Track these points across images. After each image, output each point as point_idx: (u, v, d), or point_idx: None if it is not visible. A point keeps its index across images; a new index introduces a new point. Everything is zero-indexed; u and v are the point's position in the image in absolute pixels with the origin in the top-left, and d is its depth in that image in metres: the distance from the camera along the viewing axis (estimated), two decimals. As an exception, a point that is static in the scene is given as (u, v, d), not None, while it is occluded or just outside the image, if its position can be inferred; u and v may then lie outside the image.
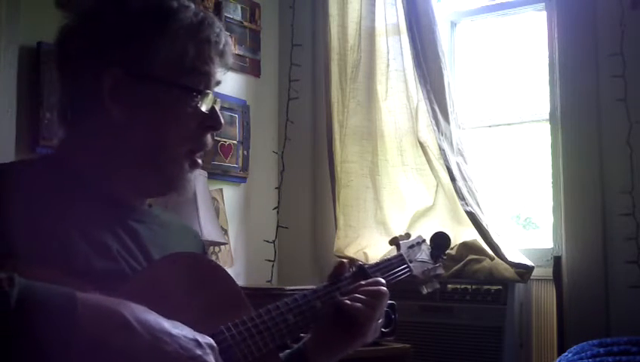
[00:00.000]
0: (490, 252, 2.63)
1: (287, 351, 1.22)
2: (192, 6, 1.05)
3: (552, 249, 2.69)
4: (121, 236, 1.00)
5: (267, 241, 3.10)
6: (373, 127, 2.95)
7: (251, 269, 3.03)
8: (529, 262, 2.57)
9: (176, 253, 1.03)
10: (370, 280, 1.22)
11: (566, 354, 2.12)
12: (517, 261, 2.57)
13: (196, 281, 1.01)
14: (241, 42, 3.05)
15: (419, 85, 2.82)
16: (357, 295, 1.17)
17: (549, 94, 2.77)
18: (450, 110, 2.80)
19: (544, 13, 2.82)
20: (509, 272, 2.55)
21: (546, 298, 2.63)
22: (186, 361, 0.84)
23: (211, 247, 2.71)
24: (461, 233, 2.74)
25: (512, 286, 2.55)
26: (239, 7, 3.07)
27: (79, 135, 1.04)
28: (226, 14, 2.98)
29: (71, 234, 0.93)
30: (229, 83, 2.95)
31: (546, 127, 2.78)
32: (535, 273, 2.57)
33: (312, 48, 3.22)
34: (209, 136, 1.08)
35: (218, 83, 1.08)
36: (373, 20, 2.98)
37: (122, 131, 1.01)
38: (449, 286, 2.59)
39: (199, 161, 1.07)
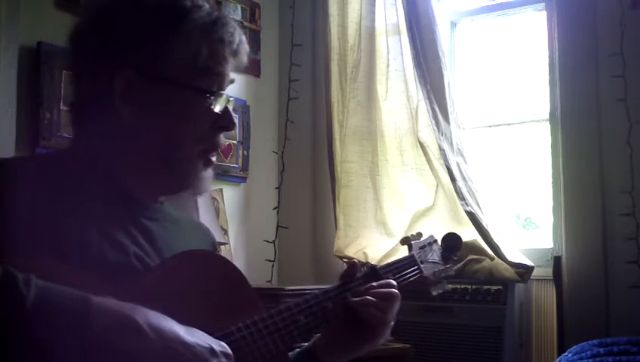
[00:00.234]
0: (490, 252, 2.63)
1: (297, 349, 1.22)
2: (206, 6, 1.03)
3: (552, 249, 2.69)
4: (134, 233, 1.00)
5: (267, 241, 3.10)
6: (373, 127, 2.95)
7: (251, 269, 3.02)
8: (529, 262, 2.57)
9: (189, 251, 1.02)
10: (381, 281, 1.21)
11: (566, 354, 2.12)
12: (517, 261, 2.57)
13: (209, 279, 1.01)
14: (241, 42, 3.05)
15: (419, 85, 2.82)
16: (369, 297, 1.16)
17: (549, 94, 2.77)
18: (450, 110, 2.79)
19: (544, 13, 2.82)
20: (509, 272, 2.55)
21: (546, 298, 2.63)
22: None
23: (211, 247, 2.71)
24: (461, 233, 2.70)
25: (512, 286, 2.55)
26: (239, 7, 3.07)
27: (91, 134, 1.04)
28: (225, 14, 2.98)
29: (85, 229, 0.93)
30: (228, 83, 2.94)
31: (546, 127, 2.78)
32: (535, 273, 2.57)
33: (312, 48, 3.22)
34: (222, 136, 1.07)
35: (232, 81, 1.07)
36: (373, 20, 2.98)
37: (133, 132, 1.00)
38: (449, 286, 2.58)
39: (213, 159, 1.06)
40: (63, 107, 2.29)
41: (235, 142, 2.98)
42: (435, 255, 1.44)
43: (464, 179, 2.72)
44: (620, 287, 2.48)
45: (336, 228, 2.96)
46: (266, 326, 1.01)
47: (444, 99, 2.80)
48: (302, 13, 3.23)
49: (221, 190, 2.92)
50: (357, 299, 1.16)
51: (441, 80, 2.80)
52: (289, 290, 2.35)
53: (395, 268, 1.30)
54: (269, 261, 3.09)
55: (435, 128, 2.75)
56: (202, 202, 2.42)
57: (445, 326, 2.59)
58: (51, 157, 1.10)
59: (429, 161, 2.81)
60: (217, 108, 1.04)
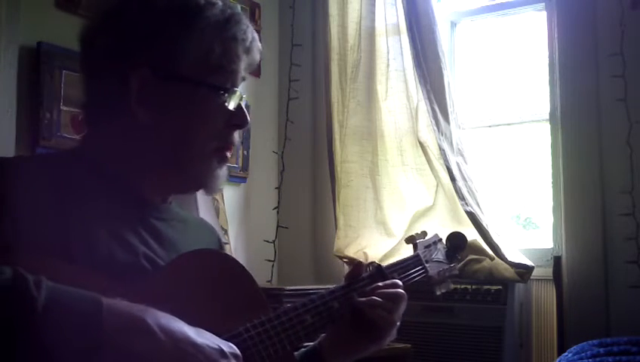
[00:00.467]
0: (490, 252, 2.63)
1: (303, 349, 1.22)
2: (219, 3, 1.03)
3: (552, 249, 2.69)
4: (143, 234, 1.00)
5: (267, 241, 3.10)
6: (373, 127, 2.95)
7: (251, 269, 2.97)
8: (529, 262, 2.57)
9: (197, 250, 1.02)
10: (387, 281, 1.21)
11: (566, 354, 2.12)
12: (517, 261, 2.57)
13: (217, 279, 1.01)
14: (241, 42, 3.05)
15: (419, 85, 2.82)
16: (375, 298, 1.16)
17: (549, 94, 2.77)
18: (450, 110, 2.79)
19: (544, 13, 2.82)
20: (509, 272, 2.55)
21: (546, 298, 2.63)
22: None
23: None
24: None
25: (512, 286, 2.55)
26: (239, 7, 3.05)
27: (104, 133, 1.03)
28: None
29: (94, 230, 0.93)
30: (229, 83, 2.94)
31: (546, 127, 2.78)
32: (535, 273, 2.57)
33: (312, 48, 3.22)
34: (236, 134, 1.07)
35: (244, 79, 1.07)
36: (373, 20, 2.98)
37: (148, 132, 1.00)
38: (452, 286, 2.58)
39: (228, 155, 1.06)
40: (63, 107, 2.29)
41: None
42: (439, 254, 1.43)
43: (464, 179, 2.72)
44: (620, 287, 2.48)
45: (336, 228, 2.96)
46: (273, 327, 1.02)
47: (444, 99, 2.79)
48: (302, 13, 3.23)
49: (221, 190, 2.92)
50: (363, 299, 1.16)
51: (441, 80, 2.80)
52: (289, 290, 2.35)
53: (401, 267, 1.30)
54: (269, 261, 3.09)
55: (435, 128, 2.75)
56: (202, 202, 2.42)
57: (445, 326, 2.59)
58: (58, 157, 1.10)
59: (429, 161, 2.81)
60: (231, 106, 1.04)
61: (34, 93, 2.25)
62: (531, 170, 3.01)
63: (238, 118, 1.06)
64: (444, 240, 1.49)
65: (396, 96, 2.92)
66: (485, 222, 2.64)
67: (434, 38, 2.82)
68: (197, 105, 1.01)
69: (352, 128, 2.97)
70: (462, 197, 2.66)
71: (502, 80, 3.13)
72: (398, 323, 1.19)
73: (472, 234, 2.66)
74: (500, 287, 2.54)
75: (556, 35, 2.71)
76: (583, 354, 2.06)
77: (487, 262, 2.61)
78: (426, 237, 1.44)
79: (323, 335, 1.21)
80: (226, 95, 1.03)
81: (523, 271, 2.54)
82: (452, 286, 1.46)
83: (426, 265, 1.37)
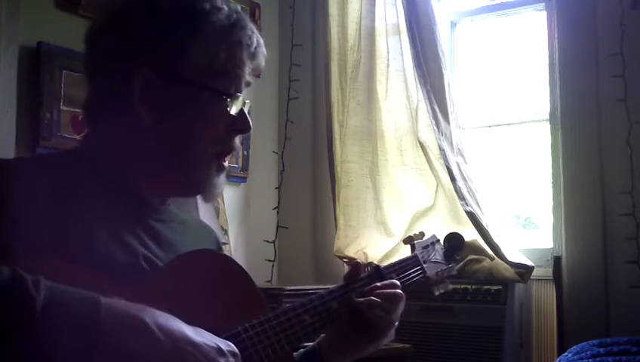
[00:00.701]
0: (490, 252, 2.63)
1: (302, 350, 1.22)
2: (225, 8, 1.04)
3: (552, 249, 2.69)
4: (142, 235, 1.00)
5: (267, 241, 3.10)
6: (373, 127, 2.95)
7: (251, 269, 2.98)
8: (529, 262, 2.57)
9: (195, 251, 1.03)
10: (385, 282, 1.21)
11: (566, 354, 2.12)
12: (517, 261, 2.57)
13: (215, 279, 1.01)
14: (241, 42, 3.05)
15: (419, 85, 2.82)
16: (373, 298, 1.16)
17: (549, 94, 2.77)
18: (450, 110, 2.79)
19: (544, 13, 2.82)
20: (509, 272, 2.55)
21: (546, 298, 2.63)
22: None
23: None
24: (461, 233, 2.73)
25: (512, 286, 2.55)
26: (239, 7, 3.06)
27: (106, 133, 1.03)
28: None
29: (94, 231, 0.93)
30: (229, 83, 2.95)
31: (546, 127, 2.78)
32: (535, 273, 2.57)
33: (312, 48, 3.22)
34: (237, 139, 1.07)
35: (248, 84, 1.07)
36: (373, 20, 2.98)
37: (149, 132, 1.00)
38: (451, 286, 2.59)
39: (226, 163, 1.07)
40: (63, 107, 2.29)
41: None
42: (437, 254, 1.44)
43: (464, 179, 2.72)
44: (620, 287, 2.48)
45: (336, 228, 2.96)
46: (272, 327, 1.02)
47: (444, 99, 2.79)
48: (302, 13, 3.23)
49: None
50: (362, 299, 1.16)
51: (441, 80, 2.80)
52: (289, 290, 2.35)
53: (399, 268, 1.31)
54: (269, 261, 3.09)
55: (435, 128, 2.75)
56: (202, 202, 2.42)
57: (445, 326, 2.59)
58: (57, 157, 1.10)
59: (429, 161, 2.81)
60: (234, 111, 1.04)
61: (34, 93, 2.25)
62: (531, 170, 3.01)
63: (240, 123, 1.06)
64: (442, 241, 1.49)
65: (396, 96, 2.92)
66: (485, 222, 2.64)
67: (434, 38, 2.82)
68: (199, 109, 1.02)
69: (352, 128, 2.97)
70: (462, 197, 2.66)
71: (502, 80, 3.13)
72: (397, 324, 1.20)
73: (472, 234, 2.66)
74: (500, 287, 2.54)
75: (556, 35, 2.71)
76: (583, 354, 2.06)
77: (487, 262, 2.61)
78: (424, 238, 1.45)
79: (322, 335, 1.22)
80: (229, 100, 1.03)
81: (523, 271, 2.54)
82: (451, 286, 1.46)
83: (424, 265, 1.37)
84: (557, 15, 2.71)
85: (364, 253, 2.87)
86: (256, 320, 1.00)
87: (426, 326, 2.61)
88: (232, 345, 0.89)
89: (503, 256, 2.58)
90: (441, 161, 2.74)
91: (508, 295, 2.53)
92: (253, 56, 1.06)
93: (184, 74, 1.00)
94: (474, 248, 2.66)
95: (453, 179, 2.68)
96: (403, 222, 2.87)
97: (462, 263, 2.61)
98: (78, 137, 2.23)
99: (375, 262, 2.53)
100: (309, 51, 3.22)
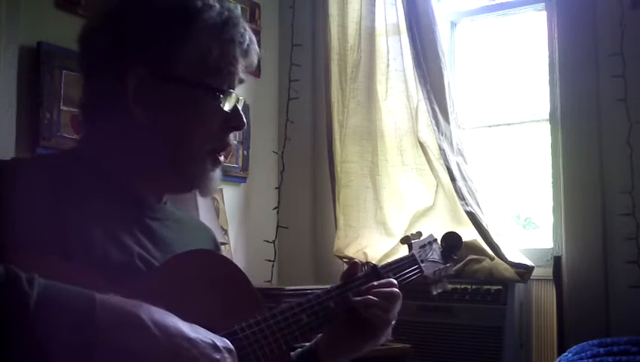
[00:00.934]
0: (490, 252, 2.63)
1: (299, 349, 1.22)
2: (217, 6, 1.04)
3: (552, 249, 2.69)
4: (138, 234, 1.01)
5: (267, 241, 3.10)
6: (373, 127, 2.95)
7: (251, 269, 3.02)
8: (529, 262, 2.57)
9: (192, 251, 1.03)
10: (382, 281, 1.21)
11: (566, 354, 2.12)
12: (517, 261, 2.57)
13: (212, 279, 1.01)
14: (241, 42, 3.05)
15: (419, 85, 2.82)
16: (370, 297, 1.17)
17: (549, 94, 2.77)
18: (450, 110, 2.80)
19: (544, 13, 2.82)
20: (509, 272, 2.55)
21: (546, 298, 2.63)
22: None
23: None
24: (461, 233, 2.71)
25: (512, 286, 2.55)
26: (239, 7, 3.07)
27: (101, 133, 1.04)
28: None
29: (90, 229, 0.93)
30: (229, 83, 2.95)
31: (546, 127, 2.78)
32: (535, 273, 2.57)
33: (312, 48, 3.22)
34: (231, 136, 1.08)
35: (242, 81, 1.08)
36: (373, 20, 2.98)
37: (144, 131, 1.01)
38: (449, 286, 2.58)
39: (221, 158, 1.07)
40: (63, 107, 2.29)
41: (235, 142, 2.98)
42: (435, 254, 1.44)
43: (464, 179, 2.72)
44: (620, 287, 2.48)
45: (336, 228, 2.96)
46: (269, 326, 1.02)
47: (444, 99, 2.80)
48: (302, 13, 3.23)
49: (221, 190, 2.92)
50: (358, 298, 1.17)
51: (441, 80, 2.80)
52: (289, 290, 2.35)
53: (396, 267, 1.31)
54: (269, 261, 3.09)
55: (435, 128, 2.75)
56: (202, 202, 2.42)
57: (445, 326, 2.59)
58: (54, 157, 1.10)
59: (429, 161, 2.81)
60: (227, 107, 1.04)
61: (34, 93, 2.25)
62: (531, 170, 3.02)
63: (234, 120, 1.06)
64: (439, 241, 1.49)
65: (396, 96, 2.92)
66: (485, 222, 2.64)
67: (434, 38, 2.82)
68: (193, 107, 1.02)
69: (352, 128, 2.97)
70: (462, 197, 2.66)
71: (502, 80, 3.13)
72: (393, 322, 1.20)
73: (472, 234, 2.66)
74: (500, 287, 2.54)
75: (556, 35, 2.71)
76: (583, 354, 2.06)
77: (487, 262, 2.61)
78: (421, 238, 1.45)
79: (319, 335, 1.22)
80: (223, 97, 1.04)
81: (523, 271, 2.54)
82: (449, 286, 1.46)
83: (422, 264, 1.37)
84: (557, 15, 2.71)
85: (364, 253, 2.87)
86: (252, 320, 1.00)
87: (426, 326, 2.61)
88: (228, 341, 0.89)
89: (503, 256, 2.58)
90: (441, 161, 2.74)
91: (508, 295, 2.53)
92: (246, 53, 1.06)
93: (177, 72, 1.01)
94: (474, 248, 2.66)
95: (453, 179, 2.68)
96: (403, 222, 2.87)
97: (462, 263, 2.62)
98: (77, 137, 2.23)
99: (374, 263, 2.53)
100: (309, 51, 3.22)
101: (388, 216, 2.90)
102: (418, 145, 2.85)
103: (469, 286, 2.59)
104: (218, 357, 0.85)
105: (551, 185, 2.72)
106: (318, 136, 3.16)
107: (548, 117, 2.77)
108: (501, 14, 3.04)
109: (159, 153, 1.02)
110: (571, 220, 2.60)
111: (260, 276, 3.01)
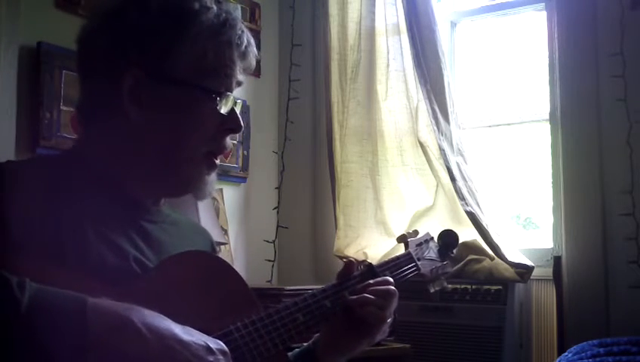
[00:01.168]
0: (490, 252, 2.63)
1: (297, 349, 1.22)
2: (215, 7, 1.04)
3: (552, 249, 2.69)
4: (134, 237, 1.00)
5: (267, 241, 3.10)
6: (373, 127, 2.95)
7: (251, 269, 3.03)
8: (529, 262, 2.57)
9: (187, 252, 1.03)
10: (378, 279, 1.21)
11: (566, 354, 2.12)
12: (517, 261, 2.57)
13: (207, 280, 1.01)
14: (241, 42, 3.05)
15: (419, 85, 2.82)
16: (366, 295, 1.16)
17: (549, 94, 2.77)
18: (450, 110, 2.80)
19: (544, 13, 2.82)
20: (509, 272, 2.55)
21: (546, 298, 2.63)
22: None
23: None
24: (461, 233, 2.71)
25: (512, 286, 2.55)
26: (239, 7, 3.07)
27: (97, 134, 1.04)
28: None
29: (85, 232, 0.93)
30: (229, 83, 2.95)
31: (546, 127, 2.78)
32: (535, 273, 2.57)
33: (312, 48, 3.22)
34: (228, 139, 1.07)
35: (239, 84, 1.07)
36: (373, 20, 2.98)
37: (140, 132, 1.01)
38: (449, 286, 2.59)
39: (217, 161, 1.06)
40: (63, 107, 2.29)
41: (235, 142, 2.98)
42: (431, 252, 1.44)
43: (464, 179, 2.72)
44: (620, 287, 2.48)
45: (336, 228, 2.96)
46: (265, 326, 1.01)
47: (444, 99, 2.80)
48: (302, 13, 3.23)
49: (221, 190, 2.92)
50: (355, 297, 1.16)
51: (441, 80, 2.80)
52: (289, 290, 2.35)
53: (392, 265, 1.31)
54: (269, 261, 3.09)
55: (435, 128, 2.75)
56: (202, 202, 2.42)
57: (445, 326, 2.59)
58: (50, 159, 1.10)
59: (429, 161, 2.81)
60: (224, 110, 1.04)
61: (34, 93, 2.25)
62: (531, 170, 3.02)
63: (231, 123, 1.06)
64: (436, 239, 1.49)
65: (396, 96, 2.92)
66: (485, 222, 2.64)
67: (434, 38, 2.82)
68: (190, 108, 1.02)
69: (352, 128, 2.97)
70: (462, 197, 2.66)
71: (502, 80, 3.13)
72: (390, 320, 1.20)
73: (472, 234, 2.66)
74: (500, 287, 2.54)
75: (556, 35, 2.71)
76: (583, 354, 2.06)
77: (487, 262, 2.61)
78: (418, 236, 1.45)
79: (317, 335, 1.22)
80: (219, 99, 1.03)
81: (523, 271, 2.54)
82: (447, 284, 1.46)
83: (418, 262, 1.37)
84: (557, 15, 2.71)
85: (364, 253, 2.87)
86: (248, 319, 1.00)
87: (426, 326, 2.61)
88: (222, 343, 0.89)
89: (503, 256, 2.58)
90: (441, 161, 2.74)
91: (508, 295, 2.53)
92: (244, 55, 1.06)
93: (174, 73, 1.01)
94: (474, 248, 2.66)
95: (453, 179, 2.69)
96: (403, 222, 2.87)
97: (462, 263, 2.62)
98: (75, 137, 2.23)
99: (374, 263, 2.53)
100: (309, 51, 3.22)
101: (388, 216, 2.90)
102: (418, 145, 2.85)
103: (469, 287, 2.59)
104: (211, 359, 0.85)
105: (551, 185, 2.72)
106: (318, 136, 3.16)
107: (548, 117, 2.77)
108: (501, 14, 3.04)
109: (154, 154, 1.02)
110: (571, 220, 2.60)
111: (260, 276, 3.01)
